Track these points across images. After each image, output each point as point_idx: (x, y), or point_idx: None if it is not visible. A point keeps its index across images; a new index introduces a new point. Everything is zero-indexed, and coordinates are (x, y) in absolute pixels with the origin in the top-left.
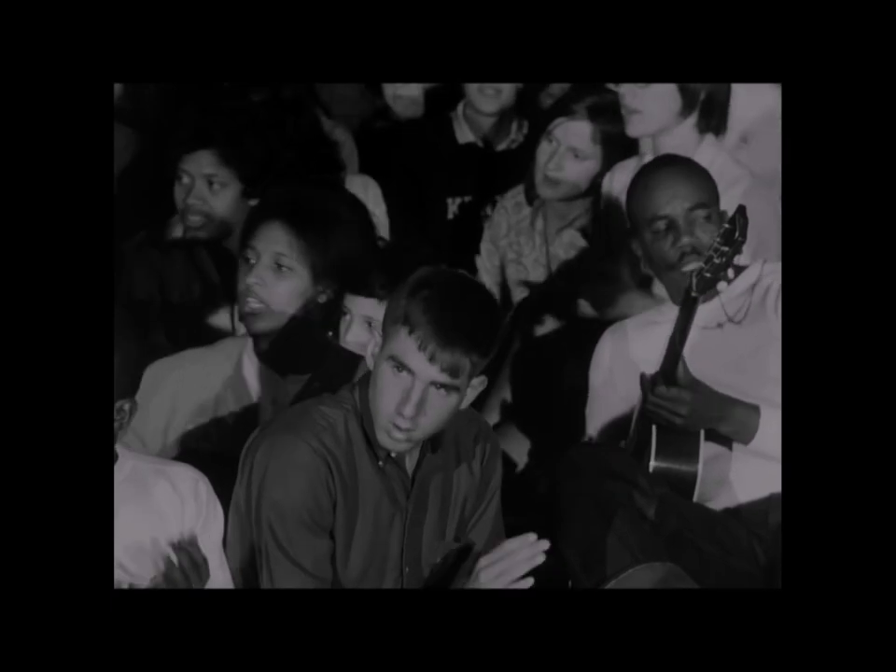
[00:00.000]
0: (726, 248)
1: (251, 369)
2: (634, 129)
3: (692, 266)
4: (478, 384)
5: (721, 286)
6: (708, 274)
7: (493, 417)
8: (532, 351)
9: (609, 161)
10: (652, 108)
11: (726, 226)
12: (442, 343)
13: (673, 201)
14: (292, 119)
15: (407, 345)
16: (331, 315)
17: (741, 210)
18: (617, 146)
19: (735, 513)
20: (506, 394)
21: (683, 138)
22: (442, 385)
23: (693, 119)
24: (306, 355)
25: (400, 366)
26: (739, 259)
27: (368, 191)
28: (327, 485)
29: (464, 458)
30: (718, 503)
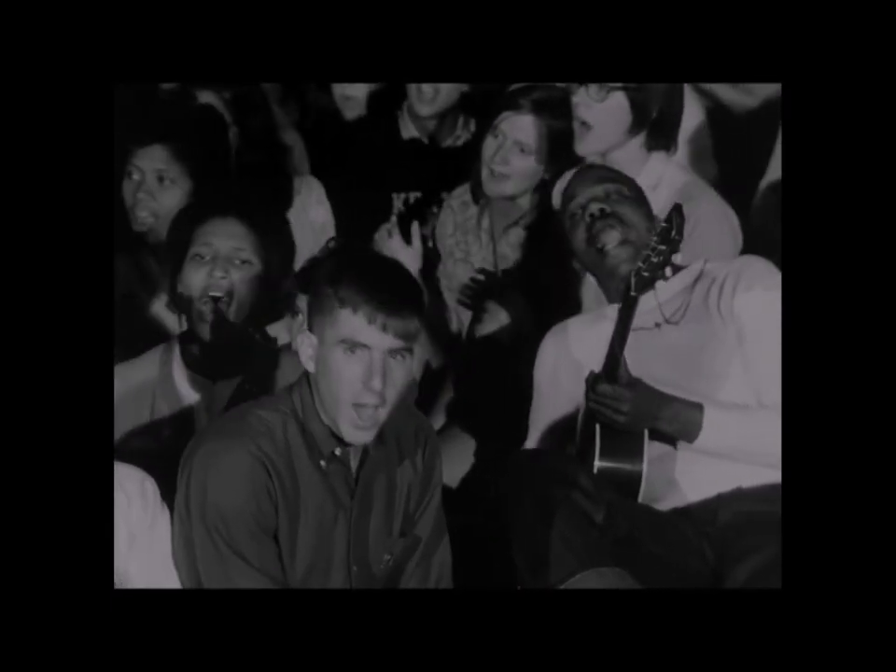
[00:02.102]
0: (663, 247)
1: (181, 376)
2: (585, 146)
3: (604, 232)
4: (418, 347)
5: (660, 284)
6: (646, 273)
7: (439, 419)
8: (477, 351)
9: (554, 157)
10: (603, 124)
11: (663, 224)
12: (390, 311)
13: (583, 184)
14: (252, 120)
15: (355, 324)
16: (279, 310)
17: (677, 209)
18: (563, 141)
19: (684, 513)
20: (452, 395)
21: (630, 154)
22: (398, 352)
23: (641, 138)
24: (233, 357)
25: (354, 346)
26: (677, 258)
27: (312, 192)
28: (267, 489)
29: (406, 454)
30: (666, 503)
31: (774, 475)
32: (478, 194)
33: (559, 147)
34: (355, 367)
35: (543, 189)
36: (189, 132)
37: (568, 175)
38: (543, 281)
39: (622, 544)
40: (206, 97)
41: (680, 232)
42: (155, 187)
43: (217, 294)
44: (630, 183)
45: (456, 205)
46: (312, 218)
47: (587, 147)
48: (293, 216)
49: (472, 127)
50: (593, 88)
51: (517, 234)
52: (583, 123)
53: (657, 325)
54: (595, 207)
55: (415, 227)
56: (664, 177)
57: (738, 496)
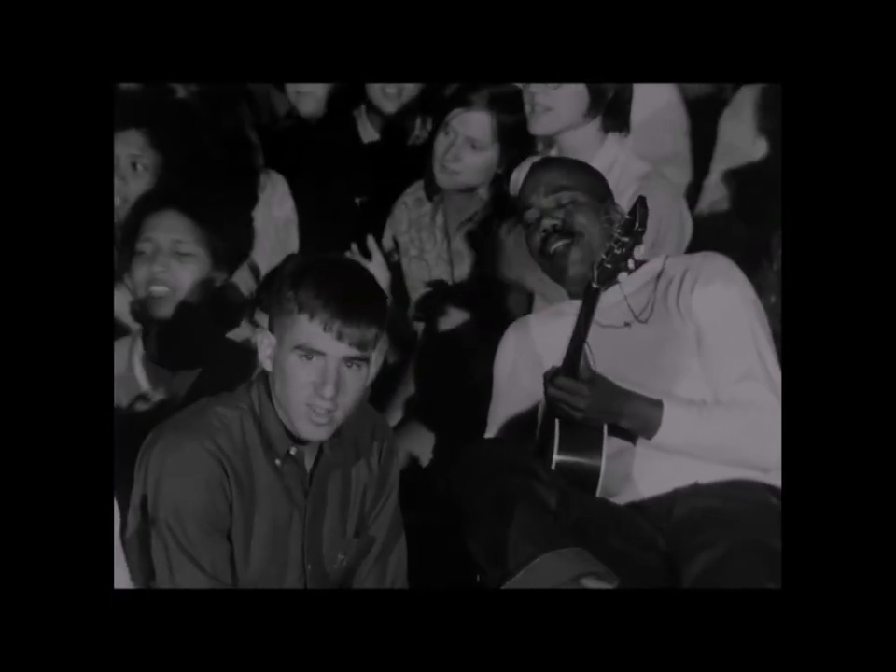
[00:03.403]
0: (626, 239)
1: (140, 367)
2: (540, 126)
3: (557, 246)
4: (377, 356)
5: (622, 276)
6: (609, 266)
7: (397, 414)
8: (436, 346)
9: (506, 153)
10: (562, 107)
11: (626, 217)
12: (347, 320)
13: (538, 188)
14: (223, 118)
15: (311, 331)
16: (226, 305)
17: (641, 201)
18: (515, 137)
19: (639, 508)
20: (410, 390)
21: (587, 136)
22: (353, 360)
23: (598, 121)
24: (194, 349)
25: (310, 352)
26: (640, 252)
27: (277, 189)
28: (222, 487)
29: (362, 454)
30: (623, 498)
31: (731, 471)
32: (431, 191)
33: (512, 142)
34: (309, 373)
35: (497, 183)
36: (168, 123)
37: (525, 167)
38: (498, 277)
39: (575, 533)
40: (182, 93)
41: (644, 224)
42: (128, 172)
43: (160, 289)
44: (585, 184)
45: (411, 202)
46: (275, 215)
47: (543, 127)
48: (258, 212)
49: (430, 126)
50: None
51: (470, 230)
52: (539, 105)
53: (627, 324)
54: (548, 223)
55: (371, 241)
56: (618, 159)
57: (695, 491)
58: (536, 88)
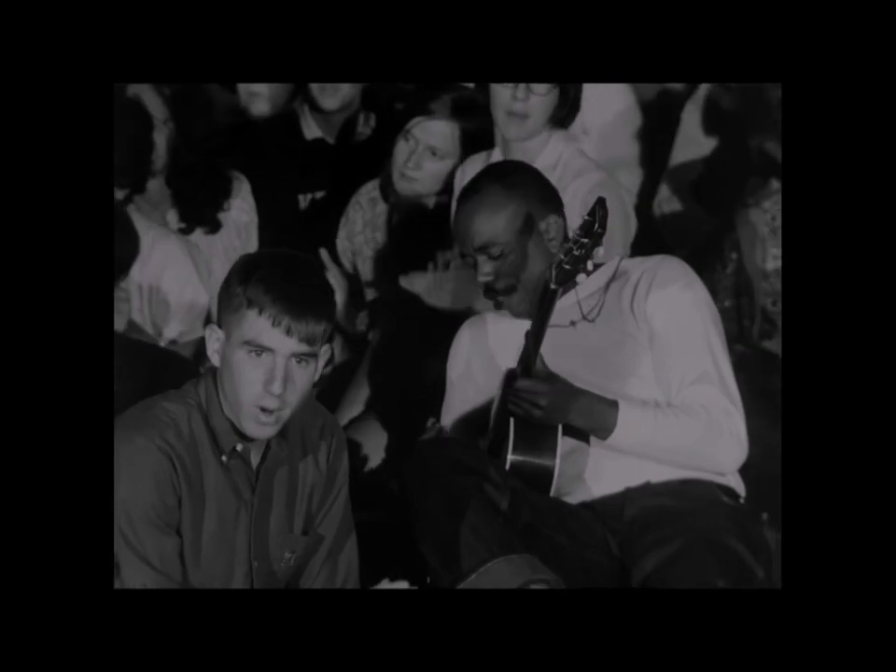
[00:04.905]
0: (586, 240)
1: None
2: (514, 133)
3: (497, 300)
4: (324, 352)
5: (581, 277)
6: (568, 266)
7: (351, 412)
8: (390, 344)
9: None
10: (538, 114)
11: (586, 217)
12: (296, 315)
13: (466, 238)
14: (193, 119)
15: (260, 326)
16: None
17: (601, 202)
18: (475, 143)
19: (590, 507)
20: (363, 388)
21: (541, 138)
22: (302, 356)
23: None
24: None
25: (258, 348)
26: (600, 253)
27: (241, 186)
28: (171, 483)
29: (309, 451)
30: (574, 497)
31: (682, 471)
32: (388, 193)
33: (473, 148)
34: (257, 370)
35: (450, 188)
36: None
37: (477, 160)
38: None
39: (526, 534)
40: (144, 92)
41: (603, 226)
42: None
43: None
44: (512, 225)
45: (365, 202)
46: (235, 217)
47: (517, 133)
48: (223, 217)
49: (373, 122)
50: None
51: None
52: (517, 113)
53: (573, 323)
54: (482, 280)
55: (323, 253)
56: (562, 158)
57: (646, 491)
58: (519, 93)
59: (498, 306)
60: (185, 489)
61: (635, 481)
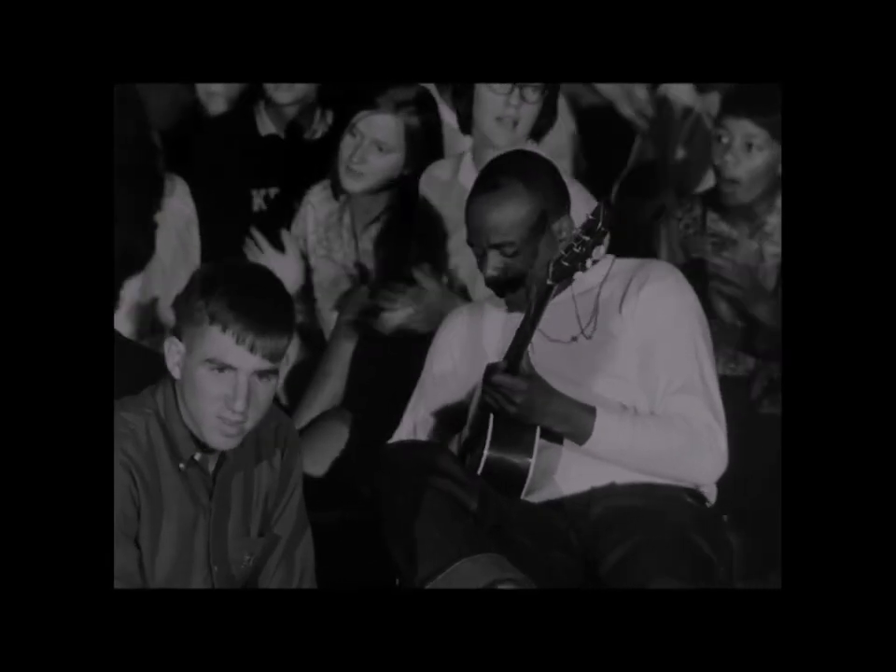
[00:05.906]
0: (587, 238)
1: None
2: (505, 138)
3: (504, 295)
4: (284, 363)
5: (578, 275)
6: (566, 263)
7: (310, 413)
8: (362, 343)
9: (413, 155)
10: (525, 120)
11: (589, 217)
12: (260, 332)
13: (479, 232)
14: (129, 120)
15: (223, 343)
16: None
17: (606, 202)
18: (421, 139)
19: (557, 506)
20: (324, 388)
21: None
22: (265, 373)
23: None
24: None
25: (222, 366)
26: (600, 252)
27: (176, 188)
28: (130, 494)
29: (264, 455)
30: (540, 495)
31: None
32: (338, 191)
33: (419, 144)
34: (219, 387)
35: (404, 183)
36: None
37: (442, 166)
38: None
39: (493, 535)
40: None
41: (606, 225)
42: None
43: None
44: (526, 222)
45: (317, 202)
46: (177, 218)
47: (506, 139)
48: (160, 217)
49: (329, 120)
50: (530, 89)
51: (378, 231)
52: (507, 118)
53: (574, 338)
54: (491, 274)
55: (286, 235)
56: None
57: (611, 491)
58: (513, 100)
59: (502, 295)
60: (144, 499)
61: (600, 481)
